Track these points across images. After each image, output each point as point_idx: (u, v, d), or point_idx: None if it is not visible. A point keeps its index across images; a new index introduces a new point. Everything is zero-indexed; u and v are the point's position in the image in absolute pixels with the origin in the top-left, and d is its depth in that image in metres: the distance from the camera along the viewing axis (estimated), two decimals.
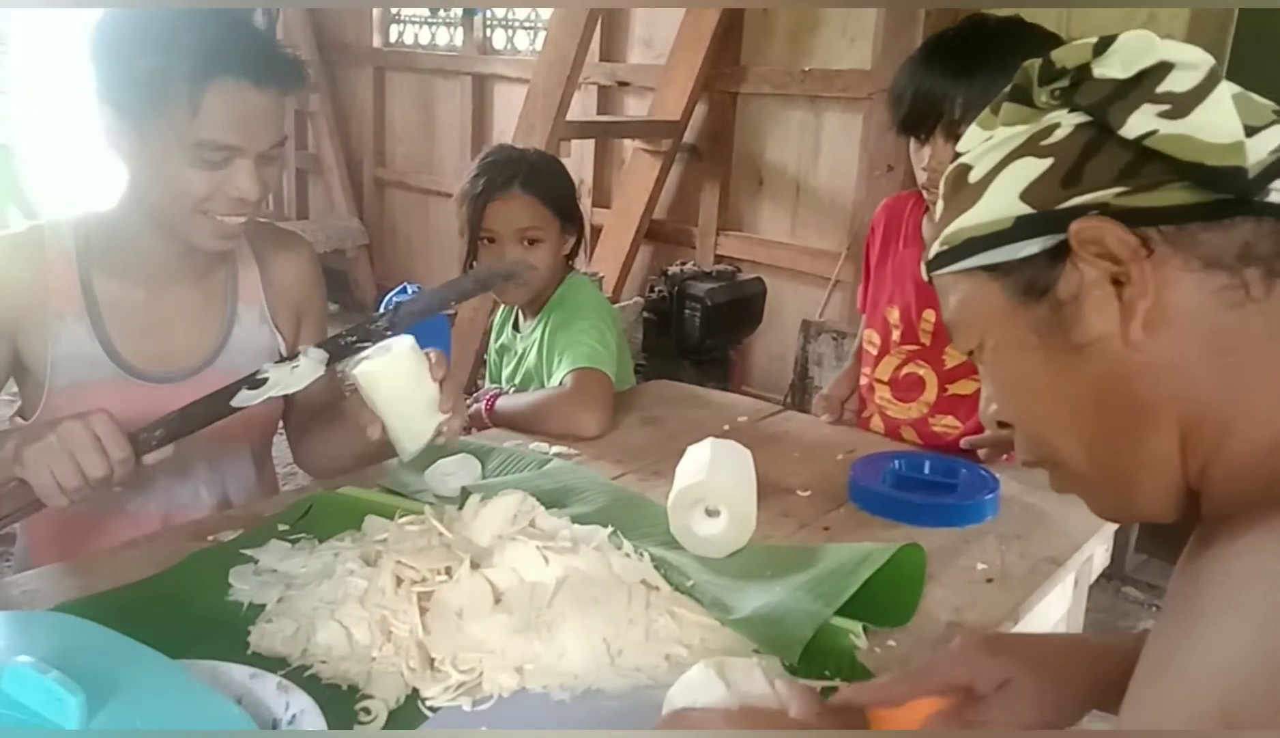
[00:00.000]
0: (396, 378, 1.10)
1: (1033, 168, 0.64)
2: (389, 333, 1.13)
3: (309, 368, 1.10)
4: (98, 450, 1.03)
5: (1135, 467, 0.64)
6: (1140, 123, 0.59)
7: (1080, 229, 0.60)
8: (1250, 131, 0.59)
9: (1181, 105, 0.59)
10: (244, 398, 1.09)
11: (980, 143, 0.69)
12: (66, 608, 0.99)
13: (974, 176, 0.68)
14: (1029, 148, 0.65)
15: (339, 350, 1.13)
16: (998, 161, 0.66)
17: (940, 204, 0.71)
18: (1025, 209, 0.63)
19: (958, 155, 0.69)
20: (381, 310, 1.14)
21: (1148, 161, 0.60)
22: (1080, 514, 1.35)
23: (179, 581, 1.09)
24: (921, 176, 1.49)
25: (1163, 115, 0.59)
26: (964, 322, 0.70)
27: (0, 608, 1.01)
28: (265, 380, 1.10)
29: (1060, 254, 0.62)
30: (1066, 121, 0.64)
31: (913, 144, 1.50)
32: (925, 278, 0.74)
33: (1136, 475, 0.65)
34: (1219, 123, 0.58)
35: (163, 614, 0.99)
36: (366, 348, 1.12)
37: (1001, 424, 0.73)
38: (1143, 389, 0.62)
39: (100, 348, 1.29)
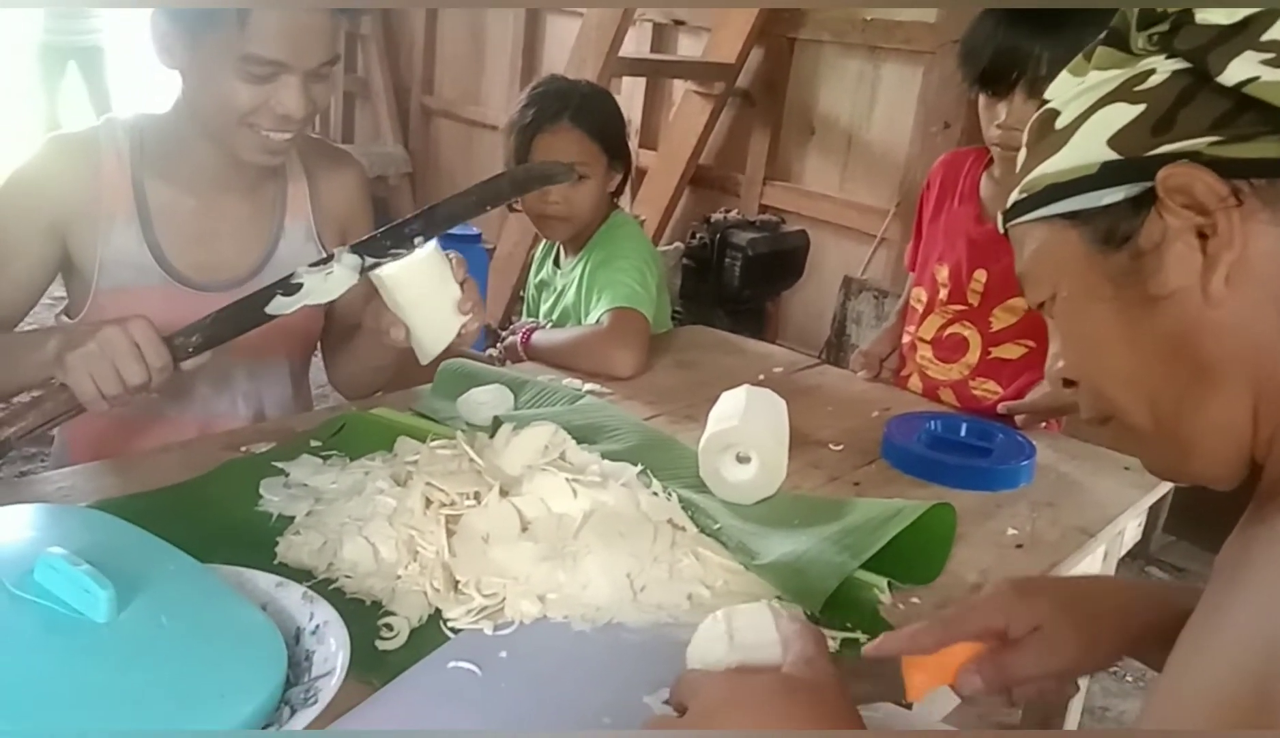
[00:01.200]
0: (418, 280, 1.08)
1: (1123, 113, 0.62)
2: (422, 237, 1.11)
3: (343, 274, 1.08)
4: (137, 358, 1.03)
5: (1199, 428, 0.63)
6: (1241, 69, 0.57)
7: (1168, 175, 0.58)
8: None
9: None
10: (279, 305, 1.08)
11: (1071, 88, 0.66)
12: (100, 506, 1.00)
13: (1061, 122, 0.66)
14: (1121, 93, 0.63)
15: (373, 254, 1.10)
16: (1087, 107, 0.64)
17: (1023, 152, 0.69)
18: (1112, 155, 0.61)
19: (1044, 103, 0.67)
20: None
21: (1245, 111, 0.57)
22: (1114, 486, 1.35)
23: (210, 488, 1.10)
24: (995, 133, 1.45)
25: (1266, 62, 0.56)
26: (1038, 272, 0.68)
27: (37, 502, 1.02)
28: (300, 286, 1.09)
29: (1145, 202, 0.60)
30: (1163, 67, 0.62)
31: (984, 100, 1.47)
32: (1001, 230, 0.72)
33: (1199, 437, 0.63)
34: None
35: (193, 519, 1.00)
36: (401, 253, 1.09)
37: (1067, 382, 0.71)
38: (1217, 347, 0.60)
39: (149, 252, 1.29)
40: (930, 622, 0.78)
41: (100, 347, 1.03)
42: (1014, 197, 0.69)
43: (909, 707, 0.78)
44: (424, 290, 1.09)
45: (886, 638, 0.78)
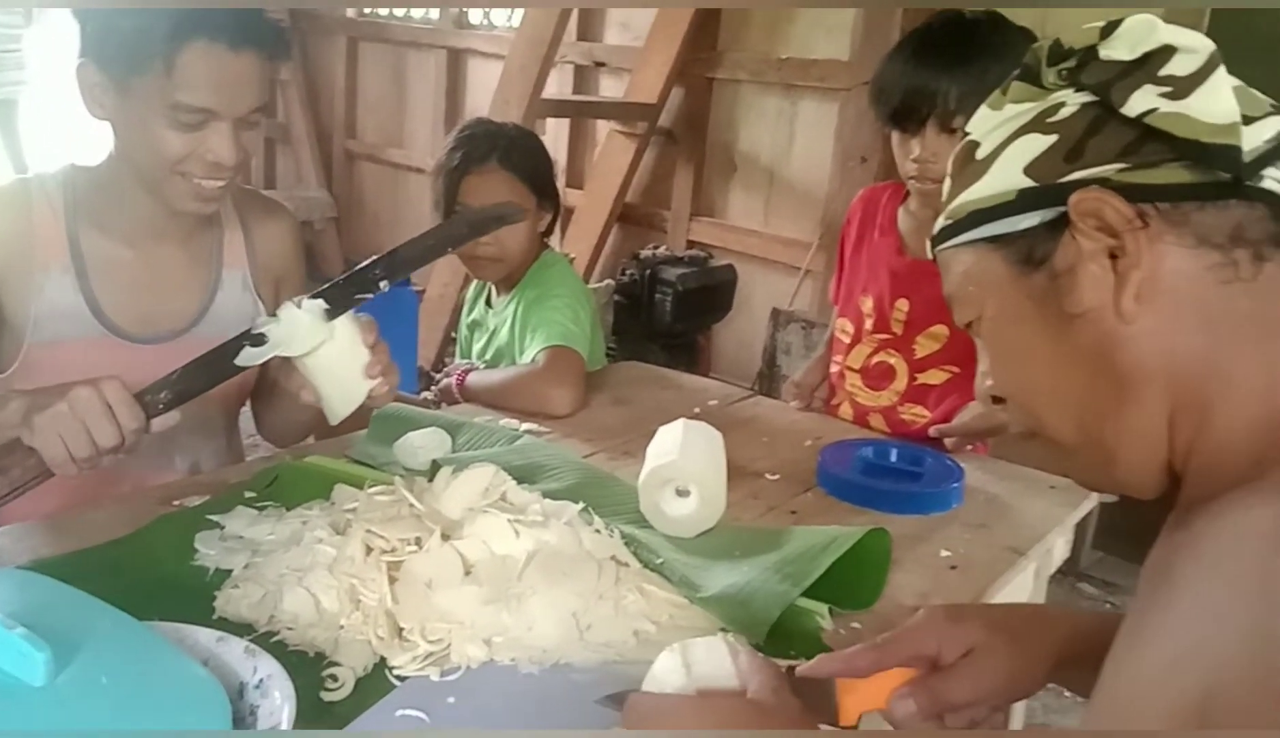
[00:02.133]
0: (322, 348, 1.07)
1: (1038, 143, 0.66)
2: (386, 281, 1.09)
3: (312, 322, 1.05)
4: (109, 419, 1.01)
5: (1120, 439, 0.66)
6: (1142, 101, 0.62)
7: (1079, 200, 0.62)
8: (1247, 121, 0.61)
9: (1182, 87, 0.61)
10: (248, 356, 1.06)
11: (989, 121, 0.71)
12: (33, 567, 0.98)
13: (981, 153, 0.70)
14: (1035, 125, 0.67)
15: (339, 299, 1.07)
16: (1005, 138, 0.69)
17: (947, 182, 0.73)
18: (1028, 182, 0.66)
19: (965, 136, 0.72)
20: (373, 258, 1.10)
21: (1148, 141, 0.62)
22: (1042, 505, 1.39)
23: (145, 544, 1.08)
24: (910, 168, 1.51)
25: (1164, 96, 0.61)
26: (965, 293, 0.72)
27: None
28: (265, 339, 1.06)
29: (1059, 226, 0.64)
30: (1072, 100, 0.66)
31: (897, 137, 1.52)
32: (930, 255, 0.76)
33: (1120, 448, 0.66)
34: (1216, 105, 0.61)
35: (129, 576, 0.99)
36: (365, 297, 1.08)
37: (996, 399, 0.75)
38: (1130, 360, 0.64)
39: (85, 304, 1.27)
40: (864, 646, 0.79)
41: (71, 408, 1.00)
42: (940, 223, 0.73)
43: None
44: (329, 357, 1.07)
45: (822, 660, 0.79)
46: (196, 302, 1.35)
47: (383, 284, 1.07)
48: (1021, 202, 0.66)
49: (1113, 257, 0.63)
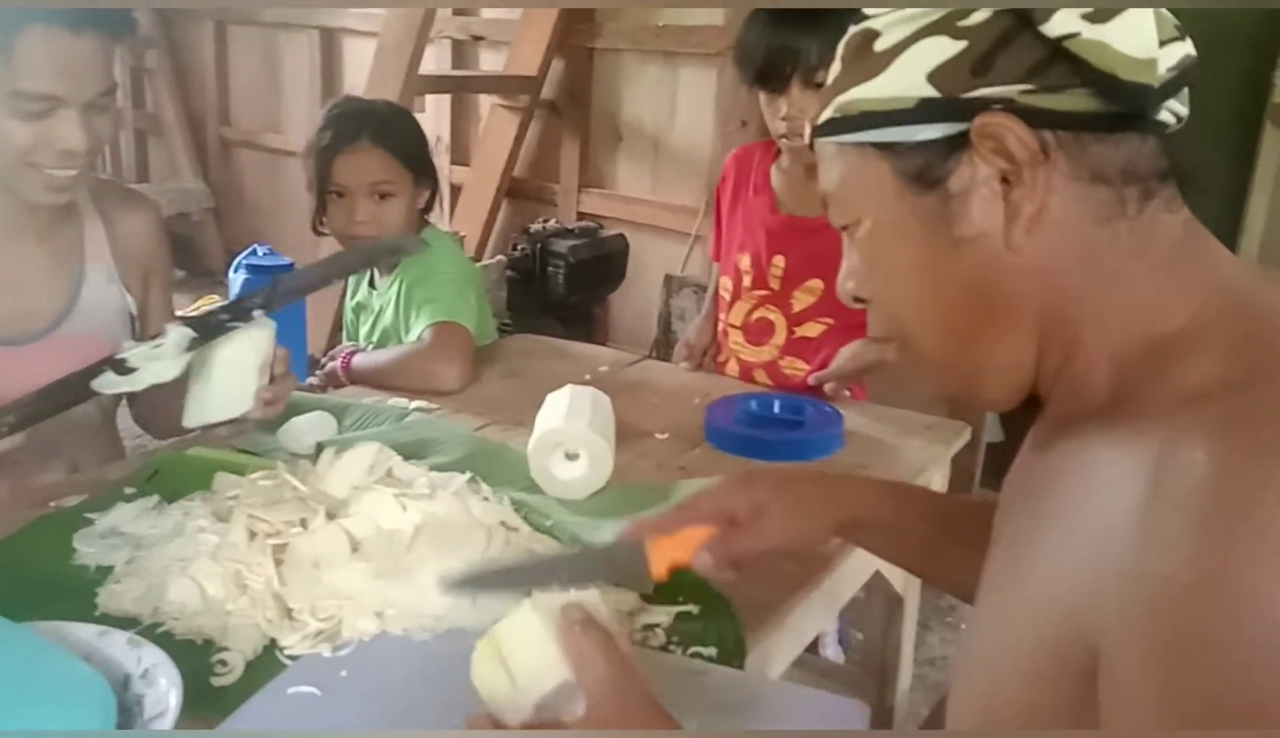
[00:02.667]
0: (231, 354, 1.08)
1: (945, 48, 0.61)
2: (262, 311, 1.09)
3: (174, 352, 1.05)
4: None
5: (987, 361, 0.66)
6: (1064, 22, 0.58)
7: (984, 124, 0.59)
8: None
9: (1106, 10, 0.58)
10: (107, 382, 1.04)
11: (893, 12, 0.65)
12: None
13: (880, 45, 0.64)
14: (944, 26, 0.62)
15: (210, 329, 1.08)
16: (909, 34, 0.63)
17: (836, 66, 0.68)
18: (930, 91, 0.61)
19: (864, 19, 0.68)
20: (252, 289, 1.10)
21: (1057, 62, 0.59)
22: (919, 444, 1.45)
23: (21, 546, 1.05)
24: (780, 127, 1.54)
25: (1086, 17, 0.58)
26: (845, 196, 0.68)
27: None
28: (133, 368, 1.05)
29: (957, 145, 0.61)
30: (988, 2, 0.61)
31: (764, 97, 1.55)
32: (807, 143, 0.72)
33: (986, 369, 0.67)
34: (1138, 37, 0.58)
35: (5, 580, 0.96)
36: (237, 326, 1.08)
37: (858, 299, 0.73)
38: (1011, 290, 0.63)
39: None
40: (670, 508, 0.89)
41: None
42: (827, 113, 0.68)
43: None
44: (235, 369, 1.08)
45: (635, 523, 0.89)
46: (60, 298, 1.31)
47: (257, 313, 1.08)
48: (920, 112, 0.62)
49: (1005, 182, 0.60)
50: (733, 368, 1.74)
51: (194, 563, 0.95)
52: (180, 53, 5.32)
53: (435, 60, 4.12)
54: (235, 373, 1.10)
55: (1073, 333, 0.62)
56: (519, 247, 3.74)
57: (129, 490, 1.17)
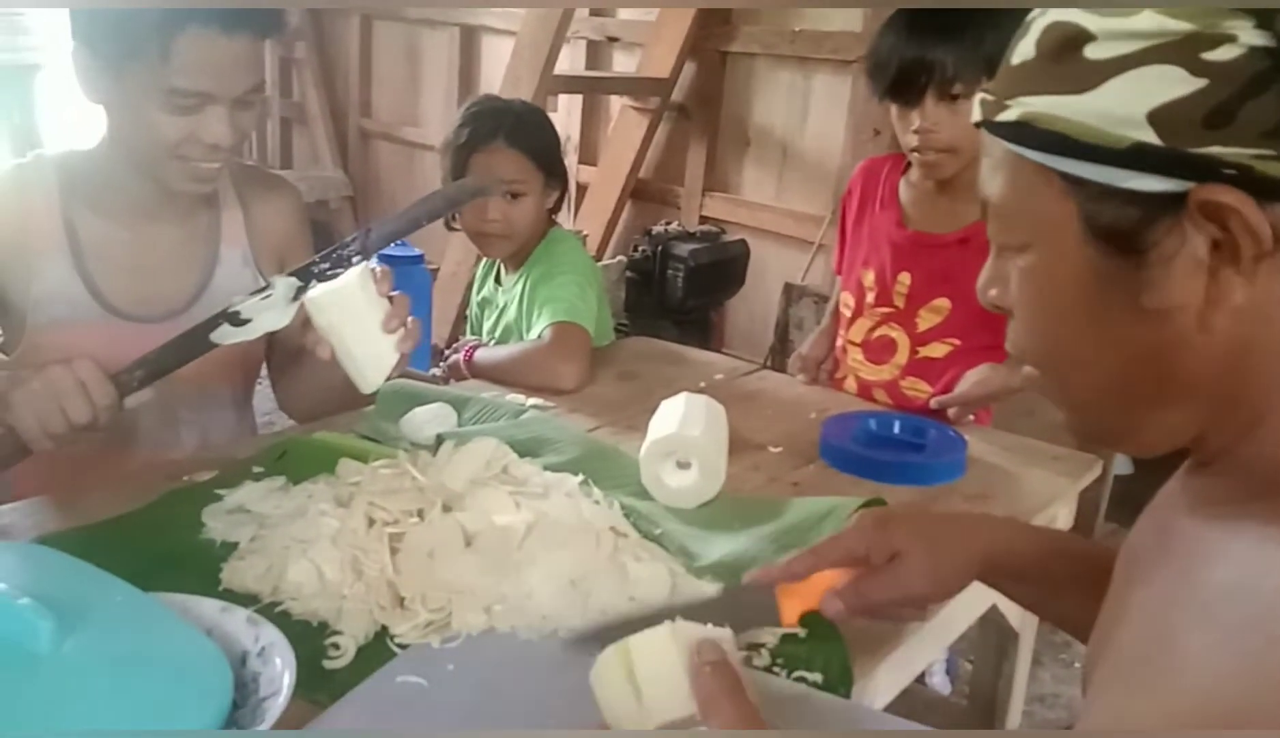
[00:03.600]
0: (339, 302, 1.06)
1: (1177, 83, 0.50)
2: (360, 258, 1.10)
3: (281, 301, 1.08)
4: (83, 396, 1.04)
5: (1144, 424, 0.60)
6: None
7: (1209, 199, 0.50)
8: None
9: None
10: (224, 333, 1.08)
11: (1116, 16, 0.53)
12: (41, 541, 1.00)
13: (1094, 53, 0.53)
14: (1182, 53, 0.50)
15: (310, 278, 1.09)
16: (1134, 51, 0.52)
17: (1026, 50, 0.58)
18: (1149, 136, 0.51)
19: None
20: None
21: None
22: (1045, 476, 1.40)
23: (153, 518, 1.10)
24: (912, 140, 1.50)
25: None
26: (1010, 216, 0.60)
27: None
28: (240, 316, 1.08)
29: (1169, 205, 0.52)
30: (1245, 38, 0.49)
31: (896, 109, 1.52)
32: (977, 122, 0.61)
33: (1140, 431, 0.60)
34: None
35: (136, 550, 1.00)
36: (338, 275, 1.08)
37: (997, 307, 0.65)
38: (1193, 368, 0.55)
39: (83, 286, 1.29)
40: (801, 552, 0.86)
41: (45, 386, 1.03)
42: (1011, 113, 0.57)
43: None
44: (348, 312, 1.06)
45: (764, 569, 0.87)
46: (194, 280, 1.37)
47: (356, 259, 1.08)
48: (1132, 157, 0.51)
49: (1214, 248, 0.51)
50: (850, 385, 1.70)
51: (314, 545, 0.98)
52: (327, 46, 5.52)
53: (570, 60, 4.17)
54: (357, 328, 1.09)
55: (1258, 412, 0.55)
56: (640, 248, 3.76)
57: (257, 469, 1.22)
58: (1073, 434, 0.66)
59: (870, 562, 0.84)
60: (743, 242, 3.79)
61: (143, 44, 1.14)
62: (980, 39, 1.41)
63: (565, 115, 4.21)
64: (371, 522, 0.99)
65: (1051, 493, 1.35)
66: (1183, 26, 0.50)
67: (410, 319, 1.10)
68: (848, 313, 1.70)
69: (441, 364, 1.79)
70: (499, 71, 3.91)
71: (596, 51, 4.30)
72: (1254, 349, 0.54)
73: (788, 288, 3.56)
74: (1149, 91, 0.51)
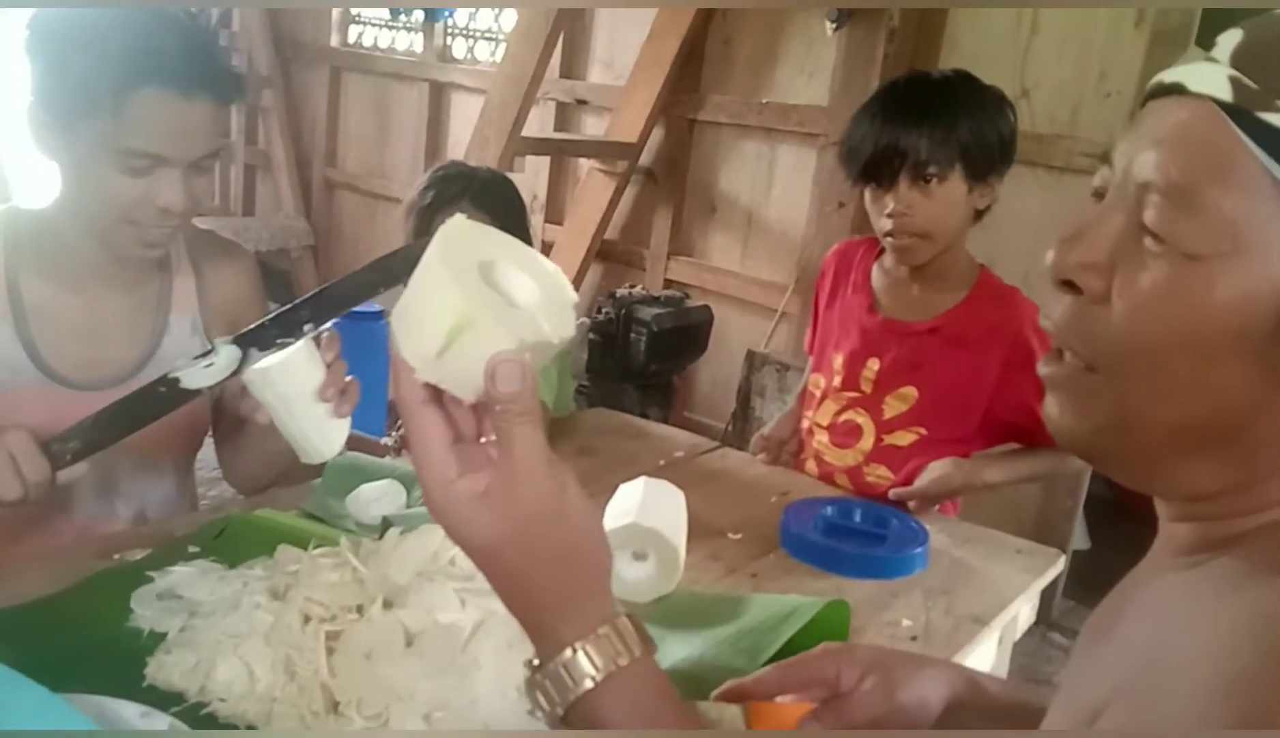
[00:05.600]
0: (288, 379, 1.03)
1: None
2: (312, 323, 1.05)
3: (224, 369, 1.03)
4: (13, 471, 1.00)
5: (1181, 465, 0.55)
6: None
7: None
8: None
9: None
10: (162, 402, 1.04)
11: None
12: None
13: None
14: None
15: (258, 344, 1.04)
16: None
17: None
18: None
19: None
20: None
21: None
22: (1008, 571, 1.37)
23: (79, 602, 1.04)
24: (885, 224, 1.50)
25: None
26: (1212, 220, 0.51)
27: None
28: (187, 389, 1.05)
29: None
30: None
31: (870, 193, 1.51)
32: (1217, 97, 0.52)
33: (1172, 469, 0.56)
34: None
35: (60, 638, 0.95)
36: (290, 342, 1.04)
37: (1068, 284, 0.57)
38: (1269, 433, 0.52)
39: (23, 351, 1.24)
40: (769, 669, 0.84)
41: None
42: (1246, 88, 0.50)
43: None
44: (289, 387, 1.03)
45: (734, 686, 0.83)
46: (140, 348, 1.32)
47: (307, 327, 1.03)
48: None
49: None
50: (812, 468, 1.68)
51: (246, 641, 0.92)
52: (295, 95, 5.50)
53: (539, 121, 4.17)
54: (294, 402, 1.06)
55: None
56: (604, 310, 3.74)
57: (193, 549, 1.16)
58: (1088, 453, 0.59)
59: (840, 685, 0.81)
60: (706, 307, 3.79)
61: (98, 102, 1.11)
62: (954, 125, 1.43)
63: (533, 174, 4.21)
64: (307, 619, 0.94)
65: (1015, 589, 1.33)
66: None
67: (348, 380, 1.08)
68: (817, 394, 1.68)
69: (393, 434, 1.74)
70: (467, 130, 3.91)
71: (565, 113, 4.31)
72: None
73: (750, 355, 3.55)
74: None
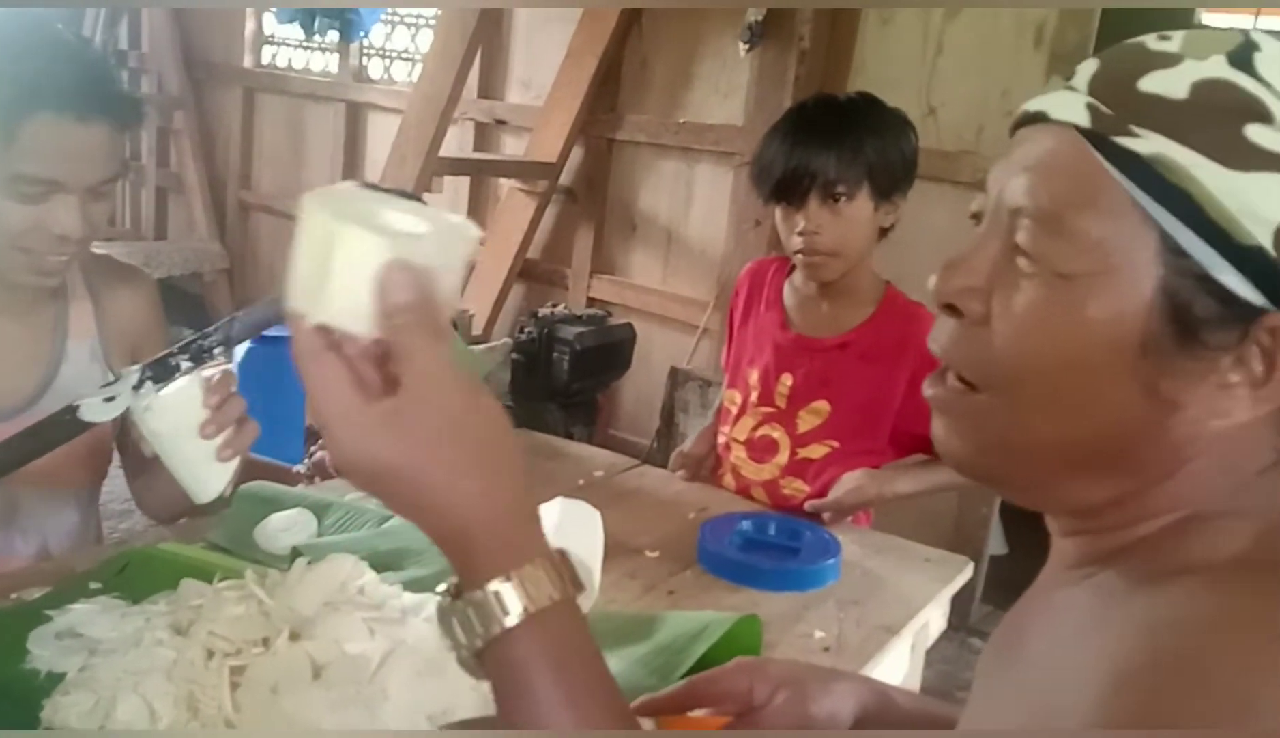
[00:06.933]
0: (171, 413, 1.01)
1: None
2: (220, 351, 1.03)
3: (125, 399, 1.00)
4: None
5: (1068, 483, 0.57)
6: None
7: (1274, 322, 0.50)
8: None
9: None
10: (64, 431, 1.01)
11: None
12: None
13: (1260, 137, 0.50)
14: None
15: (165, 372, 1.02)
16: None
17: (1160, 79, 0.52)
18: (1268, 251, 0.50)
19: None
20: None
21: None
22: (918, 580, 1.40)
23: None
24: (796, 242, 1.53)
25: None
26: (1079, 243, 0.53)
27: None
28: (85, 421, 1.02)
29: (1247, 315, 0.51)
30: None
31: (781, 211, 1.54)
32: (1072, 121, 0.54)
33: (1060, 487, 0.58)
34: None
35: None
36: (193, 367, 1.02)
37: (950, 308, 0.59)
38: (1150, 453, 0.54)
39: None
40: (681, 685, 0.85)
41: None
42: (1144, 147, 0.51)
43: None
44: (172, 422, 1.01)
45: (643, 701, 0.84)
46: (37, 377, 1.28)
47: (218, 351, 1.01)
48: (1247, 258, 0.50)
49: (1238, 365, 0.52)
50: (730, 482, 1.69)
51: (147, 679, 0.90)
52: (207, 116, 5.40)
53: (458, 141, 4.16)
54: (184, 443, 1.04)
55: (1174, 499, 0.55)
56: (526, 330, 3.73)
57: (94, 585, 1.13)
58: (975, 473, 0.61)
59: (753, 698, 0.82)
60: (629, 325, 3.81)
61: None
62: (860, 146, 1.47)
63: (452, 194, 4.19)
64: (211, 654, 0.92)
65: (925, 598, 1.36)
66: None
67: (243, 423, 1.06)
68: (733, 410, 1.70)
69: (307, 461, 1.72)
70: (385, 150, 3.88)
71: (484, 133, 4.31)
72: (1202, 455, 0.54)
73: (673, 372, 3.58)
74: None
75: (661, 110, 3.75)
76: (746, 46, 3.27)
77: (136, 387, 1.01)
